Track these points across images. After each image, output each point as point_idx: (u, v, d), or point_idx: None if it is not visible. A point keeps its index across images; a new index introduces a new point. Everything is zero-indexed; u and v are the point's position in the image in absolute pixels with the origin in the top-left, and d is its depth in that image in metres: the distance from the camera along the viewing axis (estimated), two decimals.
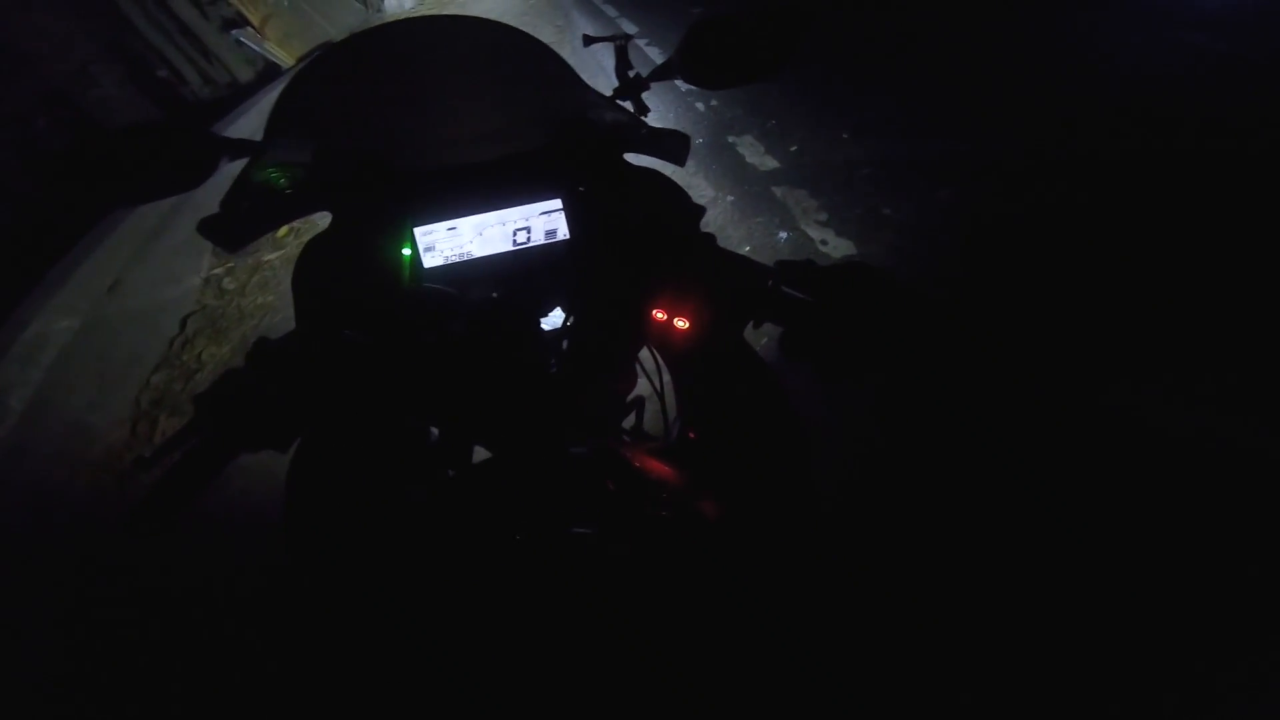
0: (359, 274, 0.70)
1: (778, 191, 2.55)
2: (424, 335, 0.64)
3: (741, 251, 1.35)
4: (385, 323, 0.62)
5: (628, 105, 0.81)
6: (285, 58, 6.08)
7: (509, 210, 0.68)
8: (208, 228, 0.63)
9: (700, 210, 0.72)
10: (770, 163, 2.79)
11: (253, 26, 5.92)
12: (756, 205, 2.50)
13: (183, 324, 2.46)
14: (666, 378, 0.76)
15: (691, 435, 0.66)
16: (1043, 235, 2.05)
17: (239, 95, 5.34)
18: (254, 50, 5.90)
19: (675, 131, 0.72)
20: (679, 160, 0.73)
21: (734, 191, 2.58)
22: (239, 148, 0.63)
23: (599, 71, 3.58)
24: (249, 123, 4.09)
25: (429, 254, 0.69)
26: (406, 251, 0.68)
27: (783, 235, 2.29)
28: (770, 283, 0.53)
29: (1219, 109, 2.44)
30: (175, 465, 0.46)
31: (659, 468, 0.52)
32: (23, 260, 2.71)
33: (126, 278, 2.60)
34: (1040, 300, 1.78)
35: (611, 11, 6.67)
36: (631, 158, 0.78)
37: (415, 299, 0.65)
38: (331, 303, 0.69)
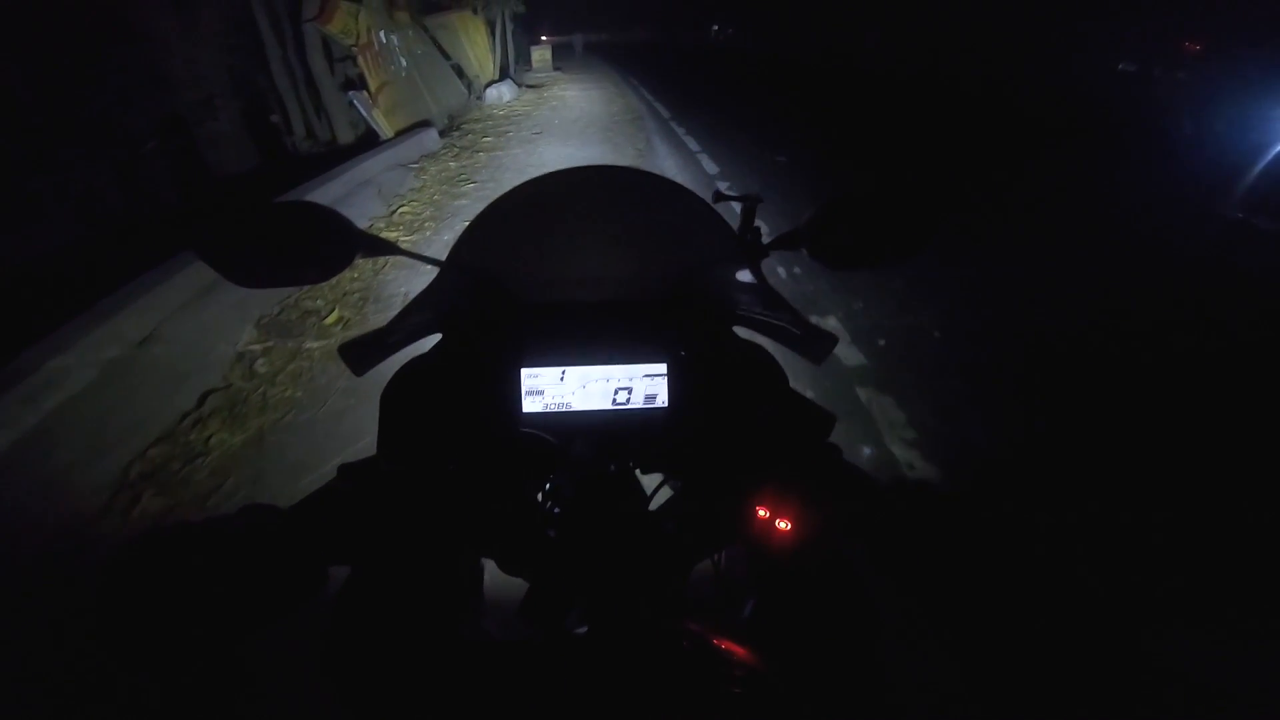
0: (457, 406, 0.68)
1: (862, 395, 2.33)
2: (528, 486, 0.64)
3: None
4: (482, 463, 0.60)
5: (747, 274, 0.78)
6: (386, 128, 6.38)
7: (615, 367, 0.66)
8: (345, 350, 0.63)
9: (831, 420, 0.68)
10: (856, 357, 2.57)
11: (368, 91, 6.26)
12: (838, 408, 2.25)
13: (201, 399, 2.29)
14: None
15: (763, 619, 0.63)
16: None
17: (334, 156, 5.57)
18: (361, 114, 6.21)
19: (823, 331, 0.67)
20: (815, 360, 0.69)
21: (815, 387, 2.35)
22: (379, 247, 0.63)
23: None
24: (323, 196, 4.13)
25: (530, 398, 0.66)
26: (511, 391, 0.67)
27: (867, 451, 2.07)
28: (889, 506, 0.54)
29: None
30: (264, 573, 0.45)
31: (735, 648, 0.50)
32: (92, 275, 2.65)
33: (161, 333, 2.49)
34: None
35: (693, 145, 6.88)
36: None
37: (519, 446, 0.64)
38: (422, 431, 0.67)
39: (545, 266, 0.74)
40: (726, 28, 47.03)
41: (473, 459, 0.60)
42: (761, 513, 0.56)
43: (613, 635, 0.53)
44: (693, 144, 6.91)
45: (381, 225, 4.13)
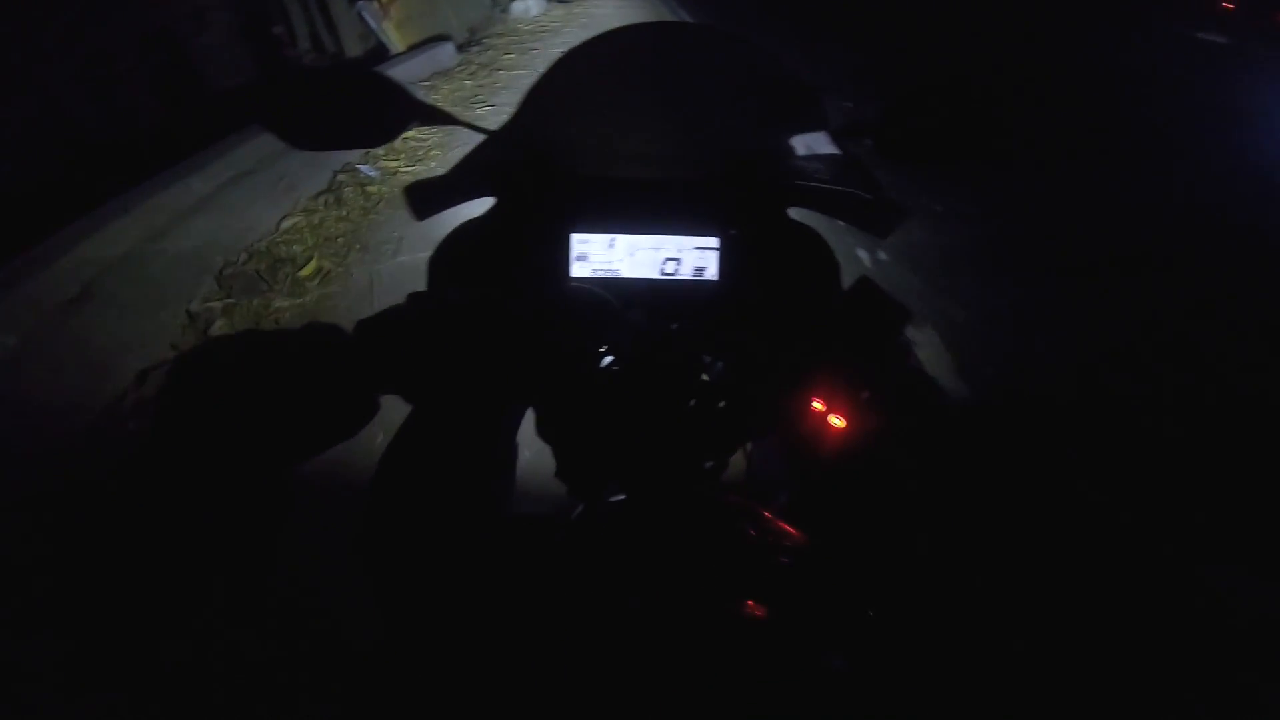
0: (508, 263, 0.68)
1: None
2: (585, 337, 0.60)
3: None
4: (539, 308, 0.57)
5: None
6: (397, 41, 5.67)
7: (666, 237, 0.65)
8: (409, 192, 0.63)
9: (905, 315, 0.58)
10: (962, 390, 1.86)
11: (379, 2, 5.51)
12: None
13: (141, 378, 1.84)
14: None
15: (799, 511, 0.60)
16: None
17: (341, 70, 4.95)
18: (371, 26, 5.50)
19: (891, 201, 0.62)
20: (882, 233, 0.65)
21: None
22: (435, 116, 0.66)
23: None
24: None
25: (579, 263, 0.66)
26: (560, 255, 0.66)
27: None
28: (953, 426, 0.53)
29: None
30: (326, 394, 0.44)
31: (784, 525, 0.47)
32: (28, 216, 2.21)
33: (100, 288, 2.04)
34: None
35: None
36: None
37: (579, 297, 0.59)
38: (476, 282, 0.67)
39: (602, 138, 0.71)
40: None
41: (533, 301, 0.56)
42: (816, 405, 0.53)
43: (653, 506, 0.50)
44: None
45: (380, 151, 3.51)
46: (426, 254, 0.68)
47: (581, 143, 0.71)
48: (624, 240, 0.65)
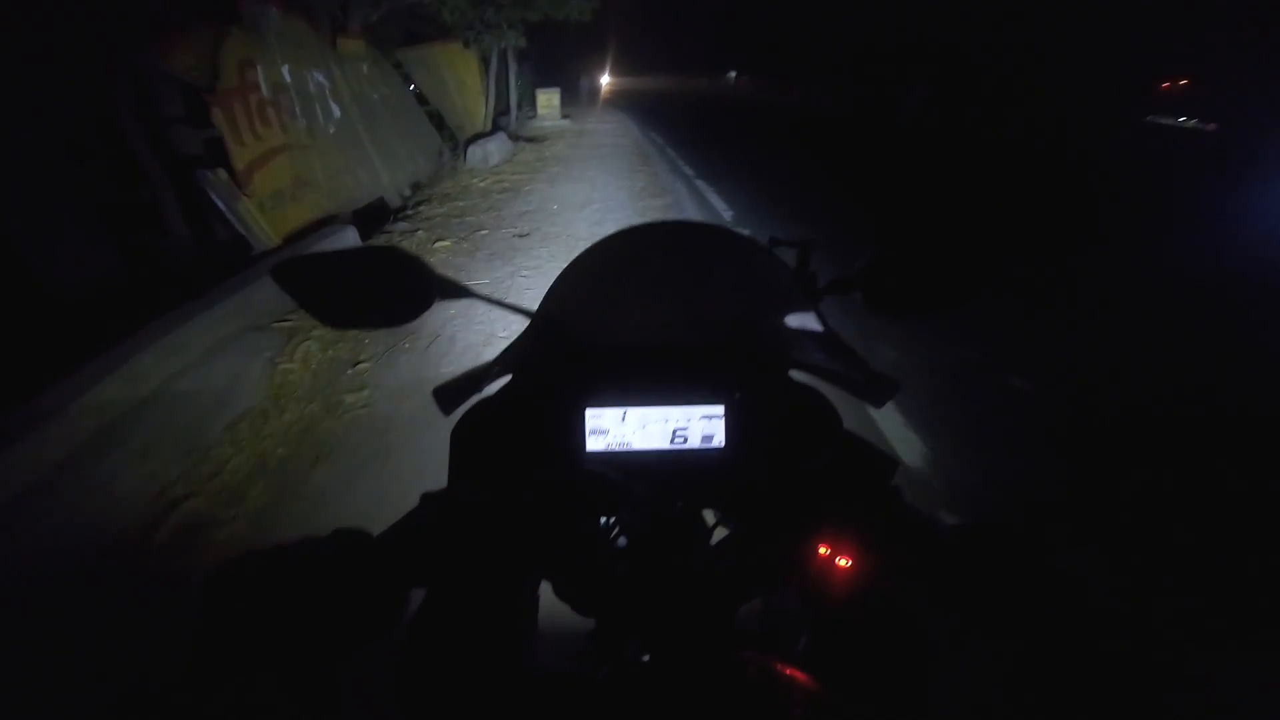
0: (524, 443, 0.71)
1: None
2: (592, 519, 0.62)
3: None
4: (553, 494, 0.59)
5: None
6: (266, 231, 3.72)
7: (674, 408, 0.68)
8: (439, 394, 0.63)
9: (894, 465, 0.67)
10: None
11: (230, 169, 3.64)
12: None
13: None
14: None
15: (819, 653, 0.61)
16: None
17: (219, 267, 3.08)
18: (219, 208, 3.60)
19: (885, 376, 0.66)
20: (876, 403, 0.67)
21: None
22: (457, 291, 0.68)
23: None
24: None
25: (594, 437, 0.68)
26: (576, 430, 0.69)
27: None
28: (950, 549, 0.54)
29: None
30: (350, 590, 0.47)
31: (797, 674, 0.50)
32: None
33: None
34: None
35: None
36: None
37: (588, 480, 0.61)
38: (492, 466, 0.70)
39: (611, 313, 0.75)
40: (743, 74, 46.23)
41: (544, 490, 0.59)
42: (822, 550, 0.56)
43: (676, 665, 0.53)
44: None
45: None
46: None
47: (595, 319, 0.74)
48: (635, 413, 0.68)
